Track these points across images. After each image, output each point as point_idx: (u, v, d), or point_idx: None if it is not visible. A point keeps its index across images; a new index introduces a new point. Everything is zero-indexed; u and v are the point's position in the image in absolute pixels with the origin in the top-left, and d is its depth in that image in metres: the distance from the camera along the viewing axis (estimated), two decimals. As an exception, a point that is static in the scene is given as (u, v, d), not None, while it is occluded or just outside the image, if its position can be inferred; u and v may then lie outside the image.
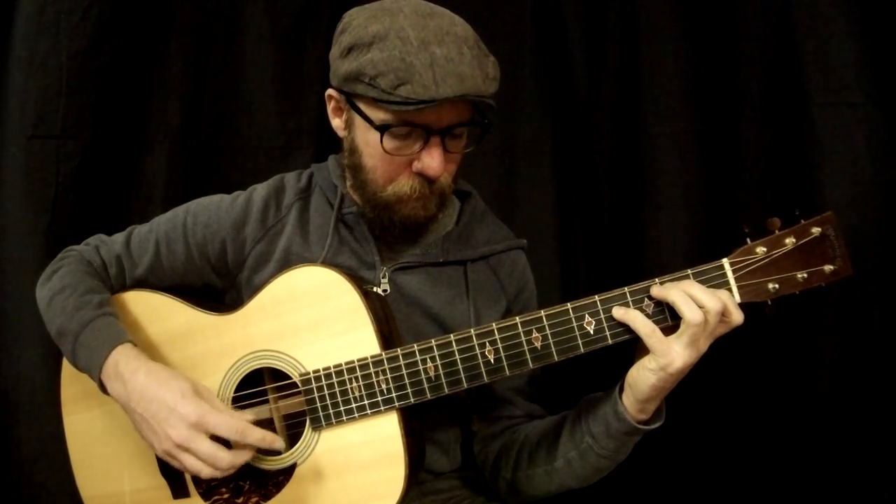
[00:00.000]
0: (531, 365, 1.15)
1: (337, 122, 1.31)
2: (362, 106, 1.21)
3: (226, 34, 1.86)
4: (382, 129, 1.18)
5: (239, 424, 1.14)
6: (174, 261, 1.36)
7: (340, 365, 1.21)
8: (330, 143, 1.75)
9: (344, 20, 1.24)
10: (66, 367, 1.38)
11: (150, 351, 1.31)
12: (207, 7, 1.83)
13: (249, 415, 1.19)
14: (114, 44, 1.75)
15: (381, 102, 1.15)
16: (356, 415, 1.20)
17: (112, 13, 1.73)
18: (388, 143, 1.19)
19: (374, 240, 1.34)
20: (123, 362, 1.19)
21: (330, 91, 1.29)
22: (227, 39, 1.86)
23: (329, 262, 1.30)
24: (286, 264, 1.31)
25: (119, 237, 1.41)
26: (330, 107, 1.31)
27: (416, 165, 1.22)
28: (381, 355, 1.19)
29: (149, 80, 1.82)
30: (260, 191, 1.39)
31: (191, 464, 1.13)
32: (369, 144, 1.23)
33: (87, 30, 1.71)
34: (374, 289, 1.31)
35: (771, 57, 1.73)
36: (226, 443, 1.15)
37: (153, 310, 1.35)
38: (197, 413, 1.13)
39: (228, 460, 1.12)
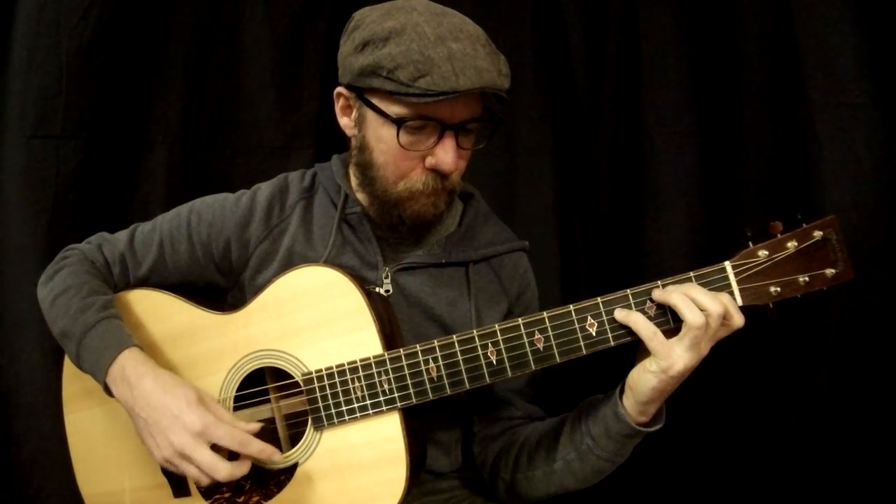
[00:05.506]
0: (533, 366, 1.16)
1: (345, 121, 1.31)
2: (376, 101, 1.21)
3: (226, 34, 1.85)
4: (399, 122, 1.18)
5: (241, 436, 1.15)
6: (178, 259, 1.36)
7: (343, 365, 1.21)
8: (330, 143, 1.75)
9: (355, 18, 1.24)
10: (68, 366, 1.38)
11: (153, 350, 1.31)
12: (207, 7, 1.83)
13: (254, 424, 1.19)
14: (114, 44, 1.74)
15: (399, 95, 1.15)
16: (358, 415, 1.20)
17: (112, 13, 1.73)
18: (404, 137, 1.19)
19: (376, 240, 1.34)
20: (131, 367, 1.19)
21: (339, 89, 1.28)
22: (228, 39, 1.85)
23: (332, 262, 1.30)
24: (289, 264, 1.31)
25: (122, 235, 1.41)
26: (338, 105, 1.30)
27: (430, 161, 1.22)
28: (383, 355, 1.19)
29: (149, 80, 1.81)
30: (264, 190, 1.39)
31: (190, 472, 1.14)
32: (382, 140, 1.23)
33: (87, 30, 1.71)
34: (377, 289, 1.31)
35: (771, 57, 1.73)
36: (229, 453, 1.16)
37: (156, 308, 1.35)
38: (201, 422, 1.13)
39: (227, 471, 1.12)
